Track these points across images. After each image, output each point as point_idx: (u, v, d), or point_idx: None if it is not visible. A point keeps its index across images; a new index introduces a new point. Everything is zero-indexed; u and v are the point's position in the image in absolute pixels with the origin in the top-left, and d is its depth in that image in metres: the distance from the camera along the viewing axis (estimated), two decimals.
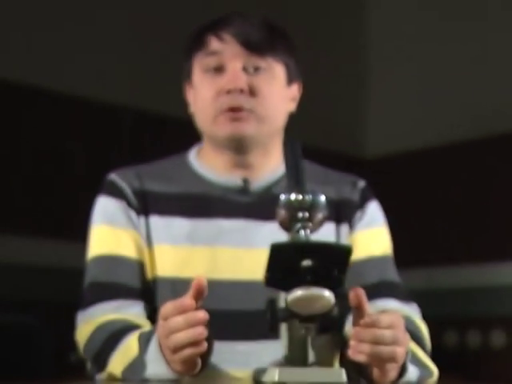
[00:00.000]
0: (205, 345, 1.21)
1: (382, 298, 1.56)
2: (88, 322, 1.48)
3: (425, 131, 4.71)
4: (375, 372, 1.24)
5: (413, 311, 1.59)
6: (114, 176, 1.61)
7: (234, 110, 1.53)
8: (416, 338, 1.47)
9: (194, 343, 1.21)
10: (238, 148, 1.56)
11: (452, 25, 4.66)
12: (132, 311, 1.49)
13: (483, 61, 4.51)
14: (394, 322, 1.23)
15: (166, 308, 1.24)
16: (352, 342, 1.20)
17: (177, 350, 1.22)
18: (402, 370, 1.30)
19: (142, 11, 4.05)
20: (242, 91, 1.52)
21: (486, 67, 4.50)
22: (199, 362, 1.25)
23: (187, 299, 1.22)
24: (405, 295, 1.61)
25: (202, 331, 1.20)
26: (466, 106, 4.56)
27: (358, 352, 1.20)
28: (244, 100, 1.52)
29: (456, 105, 4.59)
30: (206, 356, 1.28)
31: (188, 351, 1.21)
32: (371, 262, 1.59)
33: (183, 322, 1.21)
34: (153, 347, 1.30)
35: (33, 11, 3.68)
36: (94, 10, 3.88)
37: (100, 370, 1.42)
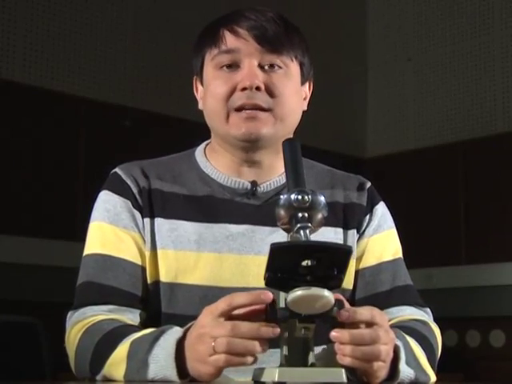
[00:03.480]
0: (258, 359, 1.17)
1: (396, 305, 1.56)
2: (78, 323, 1.43)
3: (422, 131, 4.71)
4: (364, 373, 1.22)
5: (427, 315, 1.58)
6: (119, 171, 1.56)
7: (250, 108, 1.48)
8: (428, 343, 1.46)
9: (252, 355, 1.16)
10: (251, 147, 1.52)
11: (450, 26, 4.65)
12: (126, 317, 1.45)
13: (480, 63, 4.51)
14: (373, 318, 1.20)
15: (239, 298, 1.17)
16: (335, 346, 1.18)
17: (231, 353, 1.15)
18: (396, 371, 1.29)
19: (144, 12, 4.05)
20: (258, 89, 1.47)
21: (483, 69, 4.50)
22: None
23: (264, 296, 1.15)
24: (418, 298, 1.60)
25: (266, 349, 1.15)
26: (463, 106, 4.56)
27: (342, 356, 1.17)
28: (261, 98, 1.48)
29: (454, 106, 4.59)
30: None
31: (240, 360, 1.16)
32: (382, 269, 1.58)
33: (256, 332, 1.15)
34: (167, 345, 1.25)
35: (34, 12, 3.68)
36: (96, 9, 3.88)
37: (94, 372, 1.37)
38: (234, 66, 1.50)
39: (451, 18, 4.67)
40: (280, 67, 1.51)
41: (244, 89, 1.48)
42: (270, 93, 1.49)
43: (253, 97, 1.48)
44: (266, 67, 1.50)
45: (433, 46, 4.74)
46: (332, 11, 4.88)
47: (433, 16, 4.76)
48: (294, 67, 1.54)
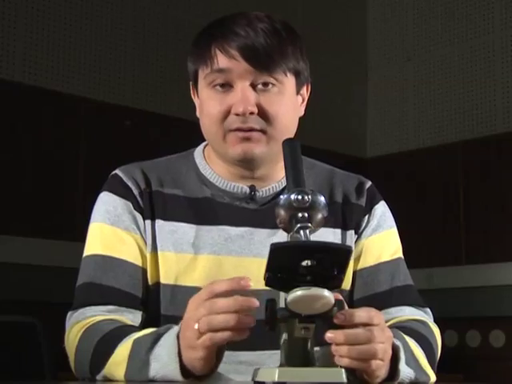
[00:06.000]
0: (247, 333, 1.18)
1: (395, 305, 1.55)
2: (78, 323, 1.44)
3: (422, 131, 4.71)
4: (363, 372, 1.23)
5: (426, 315, 1.58)
6: (120, 173, 1.56)
7: (244, 130, 1.49)
8: (427, 343, 1.46)
9: (237, 329, 1.16)
10: (247, 166, 1.54)
11: (450, 26, 4.65)
12: (125, 317, 1.45)
13: (480, 63, 4.51)
14: (370, 319, 1.21)
15: (219, 285, 1.19)
16: (332, 348, 1.18)
17: (213, 330, 1.16)
18: (396, 371, 1.29)
19: (144, 12, 4.05)
20: (251, 113, 1.48)
21: (483, 69, 4.50)
22: (214, 362, 1.22)
23: (244, 282, 1.17)
24: (417, 298, 1.60)
25: (251, 320, 1.16)
26: (463, 106, 4.56)
27: (339, 357, 1.18)
28: (254, 122, 1.48)
29: (454, 106, 4.59)
30: (217, 362, 1.24)
31: (223, 335, 1.16)
32: (381, 269, 1.58)
33: (233, 304, 1.16)
34: (168, 343, 1.25)
35: (34, 12, 3.68)
36: (96, 9, 3.88)
37: (94, 372, 1.37)
38: (226, 85, 1.50)
39: (451, 18, 4.67)
40: (273, 84, 1.50)
41: (238, 114, 1.48)
42: (264, 116, 1.49)
43: (246, 121, 1.48)
44: (259, 86, 1.49)
45: (433, 46, 4.74)
46: (332, 11, 4.88)
47: (433, 16, 4.76)
48: (289, 81, 1.53)
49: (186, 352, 1.22)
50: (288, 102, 1.53)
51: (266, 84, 1.49)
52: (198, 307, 1.20)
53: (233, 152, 1.50)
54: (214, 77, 1.50)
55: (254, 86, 1.49)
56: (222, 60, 1.49)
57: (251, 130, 1.49)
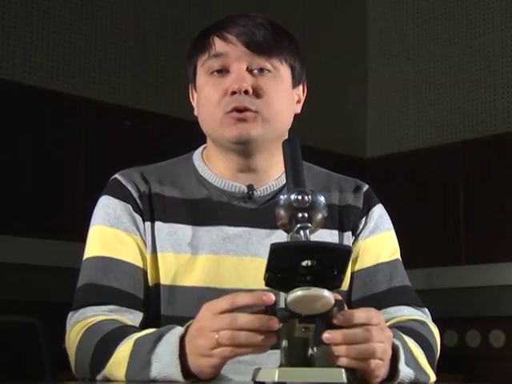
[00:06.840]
0: (267, 350, 1.17)
1: (393, 305, 1.56)
2: (78, 323, 1.44)
3: (422, 131, 4.71)
4: (363, 372, 1.23)
5: (425, 315, 1.58)
6: (120, 177, 1.57)
7: (239, 111, 1.50)
8: (427, 343, 1.46)
9: (257, 347, 1.16)
10: (244, 151, 1.53)
11: (450, 26, 4.65)
12: (126, 317, 1.45)
13: (480, 63, 4.51)
14: (369, 320, 1.21)
15: (242, 298, 1.18)
16: (331, 348, 1.18)
17: (235, 346, 1.16)
18: (396, 371, 1.29)
19: (144, 12, 4.05)
20: (246, 92, 1.49)
21: (483, 69, 4.50)
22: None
23: (266, 298, 1.16)
24: (415, 298, 1.60)
25: (274, 340, 1.16)
26: (463, 106, 4.56)
27: (337, 357, 1.18)
28: (249, 101, 1.50)
29: (454, 106, 4.59)
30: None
31: (245, 350, 1.17)
32: (379, 270, 1.58)
33: (254, 324, 1.15)
34: (170, 344, 1.25)
35: (34, 12, 3.68)
36: (96, 9, 3.88)
37: (95, 373, 1.37)
38: (224, 70, 1.52)
39: (451, 18, 4.67)
40: (269, 70, 1.52)
41: (233, 93, 1.50)
42: (258, 95, 1.51)
43: (242, 100, 1.50)
44: (255, 71, 1.52)
45: (433, 46, 4.74)
46: (332, 11, 4.88)
47: (433, 16, 4.76)
48: (284, 70, 1.55)
49: (197, 359, 1.21)
50: (283, 89, 1.55)
51: (261, 69, 1.52)
52: (215, 317, 1.18)
53: (228, 134, 1.51)
54: (212, 62, 1.53)
55: (250, 70, 1.52)
56: (219, 45, 1.52)
57: (246, 110, 1.50)
